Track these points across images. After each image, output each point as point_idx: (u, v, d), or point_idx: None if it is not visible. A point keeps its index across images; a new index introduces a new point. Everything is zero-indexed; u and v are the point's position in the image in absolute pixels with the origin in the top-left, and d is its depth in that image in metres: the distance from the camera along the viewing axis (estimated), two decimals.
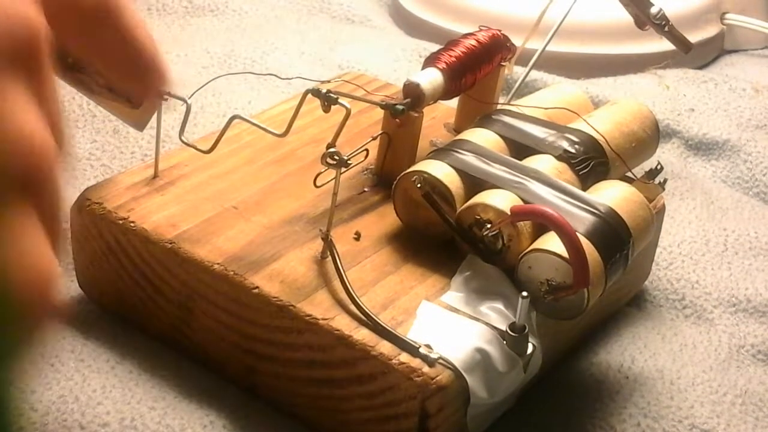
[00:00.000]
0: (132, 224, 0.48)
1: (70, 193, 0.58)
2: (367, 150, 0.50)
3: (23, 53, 0.25)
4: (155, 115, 0.52)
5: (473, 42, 0.55)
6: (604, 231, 0.46)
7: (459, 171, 0.49)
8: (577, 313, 0.45)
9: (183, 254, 0.47)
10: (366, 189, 0.53)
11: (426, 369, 0.42)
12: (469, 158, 0.49)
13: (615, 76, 0.82)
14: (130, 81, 0.29)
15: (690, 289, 0.59)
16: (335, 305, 0.44)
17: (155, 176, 0.52)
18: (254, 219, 0.50)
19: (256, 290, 0.45)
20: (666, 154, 0.72)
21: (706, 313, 0.58)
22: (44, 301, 0.25)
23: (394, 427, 0.43)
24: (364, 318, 0.44)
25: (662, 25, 0.62)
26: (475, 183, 0.49)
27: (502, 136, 0.52)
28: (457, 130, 0.58)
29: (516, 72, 0.63)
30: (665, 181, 0.53)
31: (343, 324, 0.43)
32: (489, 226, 0.46)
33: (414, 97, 0.52)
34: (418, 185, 0.48)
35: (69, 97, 0.69)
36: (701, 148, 0.74)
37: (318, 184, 0.48)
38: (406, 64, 0.81)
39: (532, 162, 0.50)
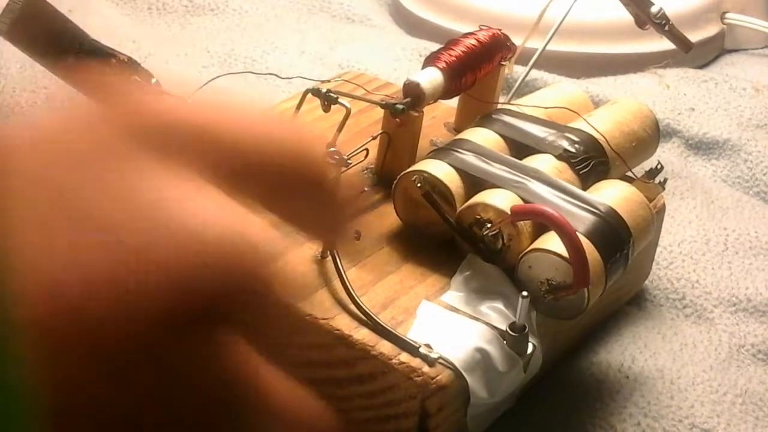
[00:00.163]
0: None
1: None
2: (367, 149, 0.50)
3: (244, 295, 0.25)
4: None
5: (473, 41, 0.55)
6: (604, 230, 0.46)
7: (459, 170, 0.49)
8: (578, 312, 0.45)
9: None
10: (366, 189, 0.53)
11: (426, 369, 0.42)
12: (470, 158, 0.49)
13: (615, 75, 0.82)
14: (314, 238, 0.29)
15: (690, 289, 0.59)
16: (335, 305, 0.44)
17: None
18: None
19: None
20: (666, 154, 0.72)
21: (706, 312, 0.58)
22: None
23: (394, 427, 0.43)
24: (364, 318, 0.44)
25: (662, 25, 0.62)
26: (475, 182, 0.49)
27: (502, 136, 0.52)
28: (457, 129, 0.58)
29: (516, 71, 0.63)
30: (665, 180, 0.53)
31: (343, 324, 0.43)
32: (489, 225, 0.46)
33: (414, 97, 0.52)
34: (418, 185, 0.48)
35: (69, 97, 0.69)
36: (701, 147, 0.74)
37: None
38: (406, 63, 0.81)
39: (533, 161, 0.50)
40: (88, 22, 0.76)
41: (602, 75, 0.82)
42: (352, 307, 0.44)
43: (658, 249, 0.59)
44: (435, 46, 0.70)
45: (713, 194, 0.68)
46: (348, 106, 0.46)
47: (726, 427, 0.49)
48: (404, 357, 0.42)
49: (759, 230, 0.64)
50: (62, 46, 0.49)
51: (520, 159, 0.50)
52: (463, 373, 0.42)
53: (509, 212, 0.46)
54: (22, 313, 0.20)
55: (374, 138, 0.52)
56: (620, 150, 0.52)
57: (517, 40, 0.59)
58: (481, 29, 0.57)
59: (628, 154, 0.53)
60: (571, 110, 0.54)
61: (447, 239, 0.48)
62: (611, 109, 0.56)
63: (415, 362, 0.42)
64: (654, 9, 0.62)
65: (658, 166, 0.53)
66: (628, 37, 0.85)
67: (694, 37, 0.83)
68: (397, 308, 0.45)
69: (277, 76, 0.57)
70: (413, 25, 0.92)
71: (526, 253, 0.46)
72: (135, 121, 0.24)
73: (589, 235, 0.45)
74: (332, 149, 0.46)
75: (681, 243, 0.62)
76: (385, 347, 0.42)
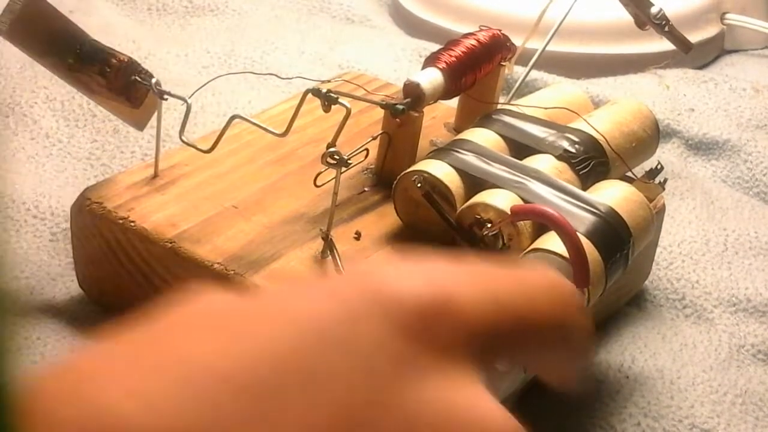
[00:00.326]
0: (132, 224, 0.48)
1: (70, 193, 0.59)
2: (367, 150, 0.50)
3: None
4: (155, 115, 0.52)
5: (473, 42, 0.55)
6: (604, 231, 0.46)
7: (459, 170, 0.49)
8: None
9: (183, 254, 0.47)
10: (366, 189, 0.53)
11: None
12: (470, 158, 0.49)
13: (615, 76, 0.82)
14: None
15: (690, 289, 0.59)
16: None
17: (155, 176, 0.52)
18: (254, 218, 0.50)
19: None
20: (666, 154, 0.72)
21: (706, 312, 0.58)
22: None
23: None
24: None
25: (662, 25, 0.62)
26: (475, 182, 0.49)
27: (502, 136, 0.52)
28: (457, 129, 0.58)
29: (516, 72, 0.63)
30: (665, 180, 0.53)
31: None
32: (489, 225, 0.46)
33: (414, 97, 0.52)
34: (419, 185, 0.48)
35: (69, 96, 0.69)
36: (701, 148, 0.74)
37: (318, 183, 0.47)
38: (406, 63, 0.81)
39: (533, 162, 0.50)
40: (88, 22, 0.76)
41: (602, 75, 0.82)
42: None
43: (658, 249, 0.59)
44: (435, 47, 0.70)
45: (713, 194, 0.68)
46: (348, 106, 0.46)
47: (726, 427, 0.49)
48: None
49: (759, 230, 0.64)
50: (62, 46, 0.49)
51: (520, 159, 0.50)
52: None
53: (509, 212, 0.46)
54: None
55: (374, 138, 0.52)
56: (620, 150, 0.52)
57: (517, 40, 0.59)
58: (481, 29, 0.57)
59: (628, 154, 0.53)
60: (571, 110, 0.54)
61: (447, 239, 0.49)
62: (611, 109, 0.56)
63: None
64: (654, 9, 0.62)
65: (658, 167, 0.53)
66: (628, 37, 0.85)
67: (694, 37, 0.83)
68: None
69: (277, 76, 0.57)
70: (413, 26, 0.92)
71: (526, 253, 0.46)
72: (397, 308, 0.23)
73: (589, 235, 0.45)
74: (332, 149, 0.46)
75: (681, 243, 0.62)
76: None
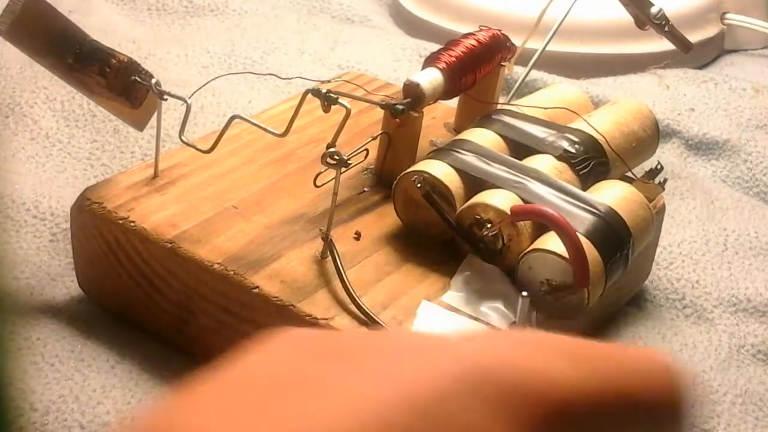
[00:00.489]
0: (132, 224, 0.48)
1: (70, 193, 0.59)
2: (367, 150, 0.50)
3: None
4: (155, 115, 0.52)
5: (473, 42, 0.55)
6: (604, 231, 0.46)
7: (459, 171, 0.49)
8: (577, 312, 0.45)
9: (183, 254, 0.47)
10: (366, 189, 0.53)
11: None
12: (470, 158, 0.49)
13: (615, 76, 0.82)
14: None
15: (690, 289, 0.59)
16: (335, 305, 0.44)
17: (155, 176, 0.52)
18: (254, 219, 0.50)
19: (256, 290, 0.45)
20: (666, 154, 0.72)
21: (706, 312, 0.58)
22: None
23: None
24: (365, 318, 0.44)
25: (662, 25, 0.62)
26: (475, 183, 0.49)
27: (502, 136, 0.52)
28: (457, 130, 0.58)
29: (516, 72, 0.63)
30: (665, 180, 0.53)
31: (343, 324, 0.43)
32: (489, 225, 0.46)
33: (414, 97, 0.52)
34: (418, 185, 0.48)
35: (69, 97, 0.69)
36: (701, 148, 0.74)
37: (318, 184, 0.47)
38: (406, 64, 0.81)
39: (532, 162, 0.50)
40: (88, 22, 0.76)
41: (602, 75, 0.82)
42: (352, 307, 0.44)
43: (658, 249, 0.59)
44: (435, 47, 0.70)
45: (713, 194, 0.68)
46: (348, 106, 0.46)
47: (726, 427, 0.49)
48: None
49: (759, 230, 0.64)
50: (62, 46, 0.49)
51: (520, 159, 0.50)
52: None
53: (509, 212, 0.46)
54: None
55: (374, 138, 0.52)
56: (620, 150, 0.52)
57: (517, 40, 0.59)
58: (481, 29, 0.57)
59: (628, 154, 0.53)
60: (571, 111, 0.54)
61: (447, 239, 0.49)
62: (611, 109, 0.56)
63: None
64: (654, 9, 0.62)
65: (658, 167, 0.53)
66: (628, 37, 0.84)
67: (694, 37, 0.83)
68: (397, 308, 0.45)
69: (277, 76, 0.57)
70: (413, 26, 0.92)
71: (526, 253, 0.46)
72: (509, 397, 0.23)
73: (589, 235, 0.45)
74: (332, 149, 0.46)
75: (681, 243, 0.62)
76: None
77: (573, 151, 0.51)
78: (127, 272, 0.50)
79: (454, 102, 0.59)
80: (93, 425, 0.44)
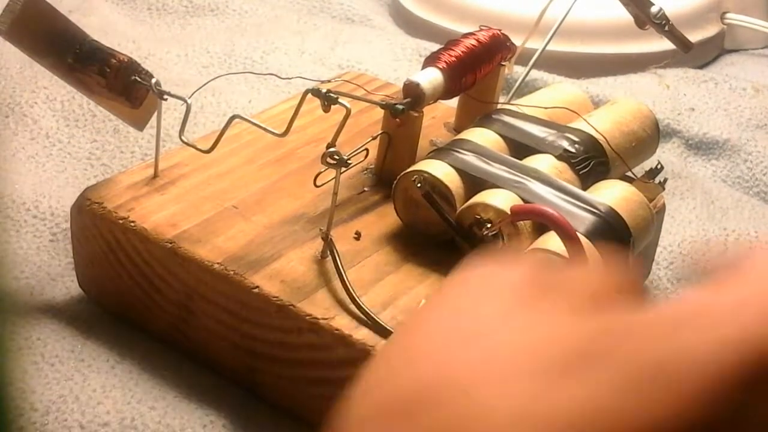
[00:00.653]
0: (132, 224, 0.48)
1: (70, 193, 0.59)
2: (367, 150, 0.50)
3: None
4: (155, 115, 0.52)
5: (473, 42, 0.55)
6: (604, 231, 0.46)
7: (459, 171, 0.49)
8: None
9: (183, 254, 0.47)
10: (366, 189, 0.53)
11: None
12: (470, 158, 0.49)
13: (615, 75, 0.82)
14: None
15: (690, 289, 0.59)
16: (335, 305, 0.44)
17: (155, 176, 0.52)
18: (254, 218, 0.50)
19: (256, 290, 0.45)
20: (666, 154, 0.72)
21: None
22: None
23: None
24: (364, 317, 0.44)
25: (662, 25, 0.62)
26: (475, 182, 0.49)
27: (502, 136, 0.52)
28: (457, 129, 0.58)
29: (516, 71, 0.63)
30: (665, 180, 0.53)
31: (343, 324, 0.43)
32: (489, 225, 0.46)
33: (414, 97, 0.52)
34: (418, 185, 0.48)
35: (69, 97, 0.69)
36: (701, 147, 0.74)
37: (318, 183, 0.47)
38: (406, 63, 0.81)
39: (532, 161, 0.50)
40: (88, 22, 0.76)
41: (602, 75, 0.82)
42: (352, 307, 0.44)
43: (658, 249, 0.59)
44: (435, 46, 0.70)
45: (713, 194, 0.68)
46: (348, 106, 0.46)
47: None
48: None
49: (759, 230, 0.64)
50: (62, 46, 0.49)
51: (520, 159, 0.50)
52: None
53: (509, 212, 0.46)
54: None
55: (374, 138, 0.52)
56: (620, 150, 0.52)
57: (517, 40, 0.59)
58: (481, 29, 0.57)
59: (628, 154, 0.53)
60: (571, 110, 0.54)
61: (447, 239, 0.49)
62: (611, 109, 0.56)
63: None
64: (654, 9, 0.62)
65: (658, 166, 0.53)
66: (628, 37, 0.84)
67: (694, 37, 0.83)
68: (397, 308, 0.45)
69: (277, 76, 0.57)
70: (413, 26, 0.92)
71: (525, 253, 0.46)
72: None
73: (589, 235, 0.45)
74: (332, 149, 0.46)
75: (681, 243, 0.62)
76: None
77: (573, 150, 0.51)
78: (127, 272, 0.49)
79: (454, 102, 0.59)
80: (93, 425, 0.44)
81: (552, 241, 0.45)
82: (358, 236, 0.49)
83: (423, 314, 0.27)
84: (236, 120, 0.49)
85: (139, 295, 0.50)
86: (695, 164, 0.73)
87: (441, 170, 0.49)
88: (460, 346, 0.25)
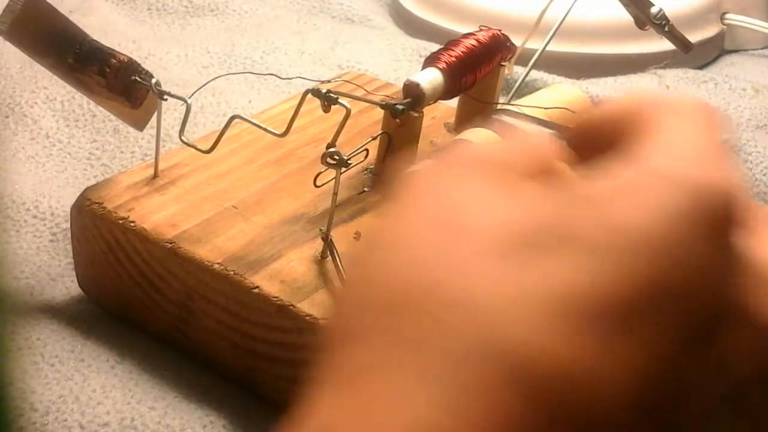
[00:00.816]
0: (132, 224, 0.48)
1: (70, 193, 0.59)
2: (367, 150, 0.50)
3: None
4: (155, 115, 0.52)
5: (473, 42, 0.55)
6: None
7: None
8: None
9: (183, 254, 0.47)
10: (366, 189, 0.53)
11: None
12: None
13: (615, 76, 0.82)
14: None
15: None
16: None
17: (155, 176, 0.52)
18: (254, 219, 0.50)
19: (256, 290, 0.45)
20: None
21: None
22: None
23: None
24: None
25: (662, 25, 0.62)
26: None
27: (502, 136, 0.52)
28: (457, 129, 0.58)
29: (516, 72, 0.63)
30: None
31: None
32: None
33: (414, 97, 0.52)
34: None
35: (69, 96, 0.69)
36: None
37: (318, 184, 0.47)
38: (406, 63, 0.81)
39: None
40: (88, 22, 0.76)
41: (602, 75, 0.82)
42: None
43: None
44: (435, 47, 0.70)
45: None
46: (348, 106, 0.46)
47: None
48: None
49: None
50: (62, 46, 0.49)
51: None
52: None
53: None
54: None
55: (374, 138, 0.52)
56: None
57: (517, 40, 0.59)
58: (481, 29, 0.57)
59: None
60: (571, 110, 0.54)
61: None
62: None
63: None
64: (654, 9, 0.62)
65: None
66: (628, 37, 0.84)
67: (694, 37, 0.83)
68: None
69: (277, 76, 0.57)
70: (413, 26, 0.92)
71: None
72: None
73: None
74: (332, 149, 0.46)
75: None
76: None
77: None
78: (127, 272, 0.50)
79: (454, 102, 0.59)
80: (93, 425, 0.44)
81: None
82: (358, 236, 0.49)
83: (390, 222, 0.27)
84: (236, 120, 0.49)
85: (139, 295, 0.50)
86: None
87: None
88: (428, 237, 0.25)
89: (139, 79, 0.50)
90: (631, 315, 0.23)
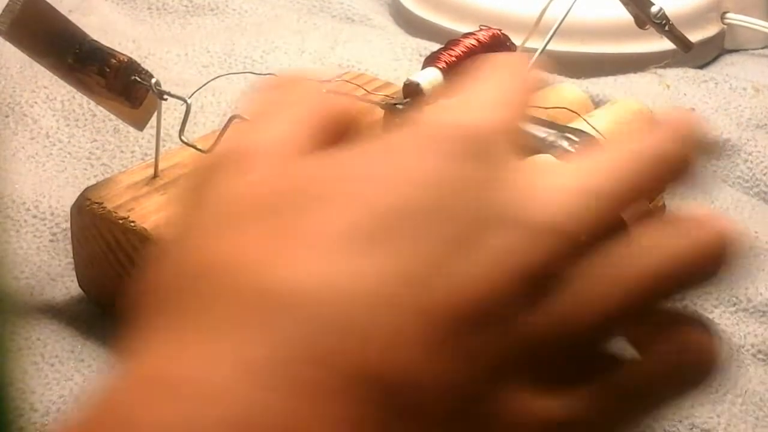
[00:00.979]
0: (132, 224, 0.48)
1: (70, 193, 0.59)
2: None
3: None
4: (155, 115, 0.52)
5: (473, 41, 0.55)
6: None
7: None
8: None
9: None
10: None
11: None
12: None
13: (615, 75, 0.82)
14: None
15: None
16: None
17: (155, 176, 0.52)
18: None
19: None
20: None
21: (706, 312, 0.58)
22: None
23: None
24: None
25: (662, 25, 0.62)
26: None
27: None
28: None
29: None
30: None
31: None
32: None
33: (414, 97, 0.52)
34: None
35: (69, 96, 0.69)
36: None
37: None
38: (406, 63, 0.81)
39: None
40: (88, 22, 0.76)
41: (602, 75, 0.82)
42: None
43: None
44: (435, 46, 0.70)
45: (713, 194, 0.68)
46: None
47: (726, 427, 0.49)
48: None
49: (759, 230, 0.64)
50: (62, 46, 0.49)
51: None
52: None
53: None
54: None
55: None
56: None
57: (517, 40, 0.59)
58: (481, 29, 0.57)
59: None
60: (571, 110, 0.54)
61: None
62: (611, 109, 0.56)
63: None
64: (654, 9, 0.62)
65: None
66: (628, 37, 0.84)
67: (694, 37, 0.83)
68: None
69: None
70: (413, 25, 0.92)
71: None
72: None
73: None
74: None
75: None
76: None
77: (573, 151, 0.51)
78: (127, 272, 0.49)
79: None
80: None
81: None
82: None
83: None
84: (236, 120, 0.49)
85: None
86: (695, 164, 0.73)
87: None
88: (256, 220, 0.26)
89: (138, 79, 0.50)
90: (377, 236, 0.24)
